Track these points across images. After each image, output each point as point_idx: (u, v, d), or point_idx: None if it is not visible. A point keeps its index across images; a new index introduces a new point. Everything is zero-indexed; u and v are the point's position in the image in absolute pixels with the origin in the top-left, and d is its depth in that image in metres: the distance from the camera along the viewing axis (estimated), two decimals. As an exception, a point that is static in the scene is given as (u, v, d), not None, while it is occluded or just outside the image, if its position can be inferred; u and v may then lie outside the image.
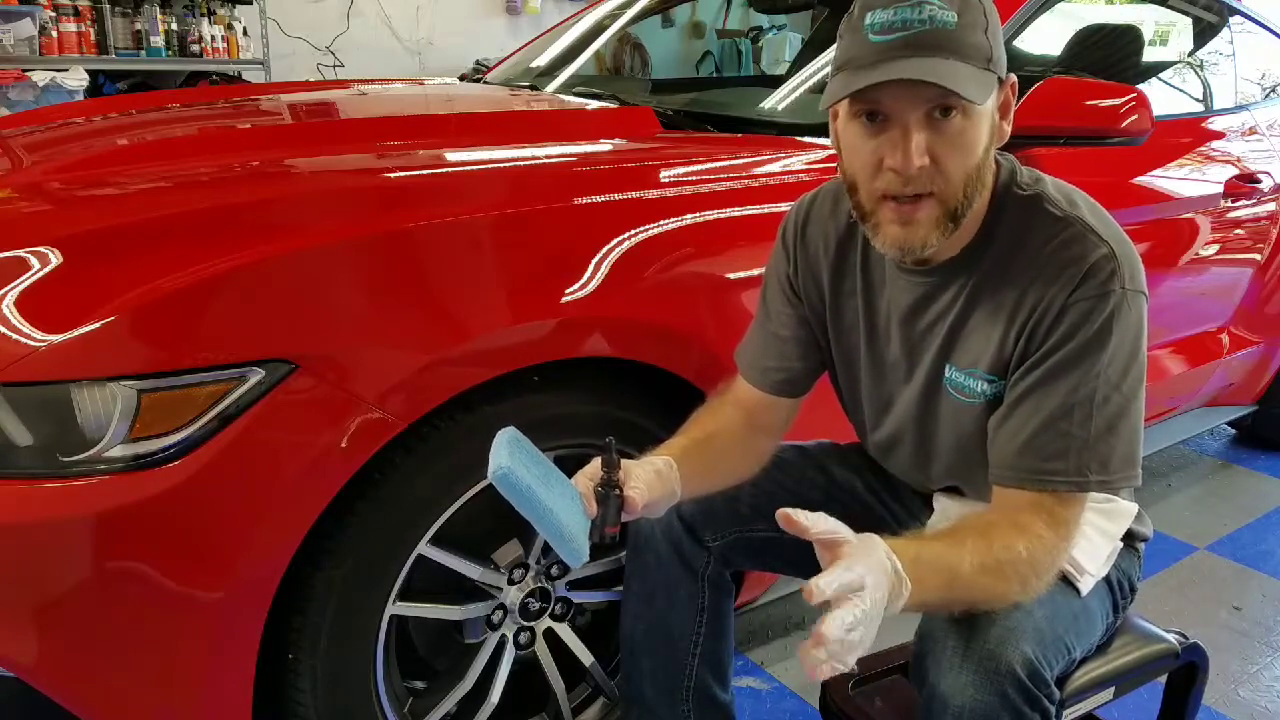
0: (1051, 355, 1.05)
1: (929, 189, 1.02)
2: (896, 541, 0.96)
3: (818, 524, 0.93)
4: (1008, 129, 1.08)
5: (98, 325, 1.09)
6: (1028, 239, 1.08)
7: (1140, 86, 1.82)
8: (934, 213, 1.04)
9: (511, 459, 1.00)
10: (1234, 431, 3.25)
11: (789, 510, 0.93)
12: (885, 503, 1.38)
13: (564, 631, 1.58)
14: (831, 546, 0.93)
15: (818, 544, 0.94)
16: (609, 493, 1.06)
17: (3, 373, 1.08)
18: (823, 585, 0.87)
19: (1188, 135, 2.45)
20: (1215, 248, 2.42)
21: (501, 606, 1.50)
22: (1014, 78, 1.07)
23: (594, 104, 2.17)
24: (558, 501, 1.02)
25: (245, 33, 4.83)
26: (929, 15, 0.98)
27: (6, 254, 1.21)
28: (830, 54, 1.10)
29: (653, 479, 1.13)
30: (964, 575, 0.98)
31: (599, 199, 1.44)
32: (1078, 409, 1.03)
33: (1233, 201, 2.41)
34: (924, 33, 0.98)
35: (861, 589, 0.88)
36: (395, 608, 1.35)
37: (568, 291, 1.35)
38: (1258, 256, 2.60)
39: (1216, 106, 2.68)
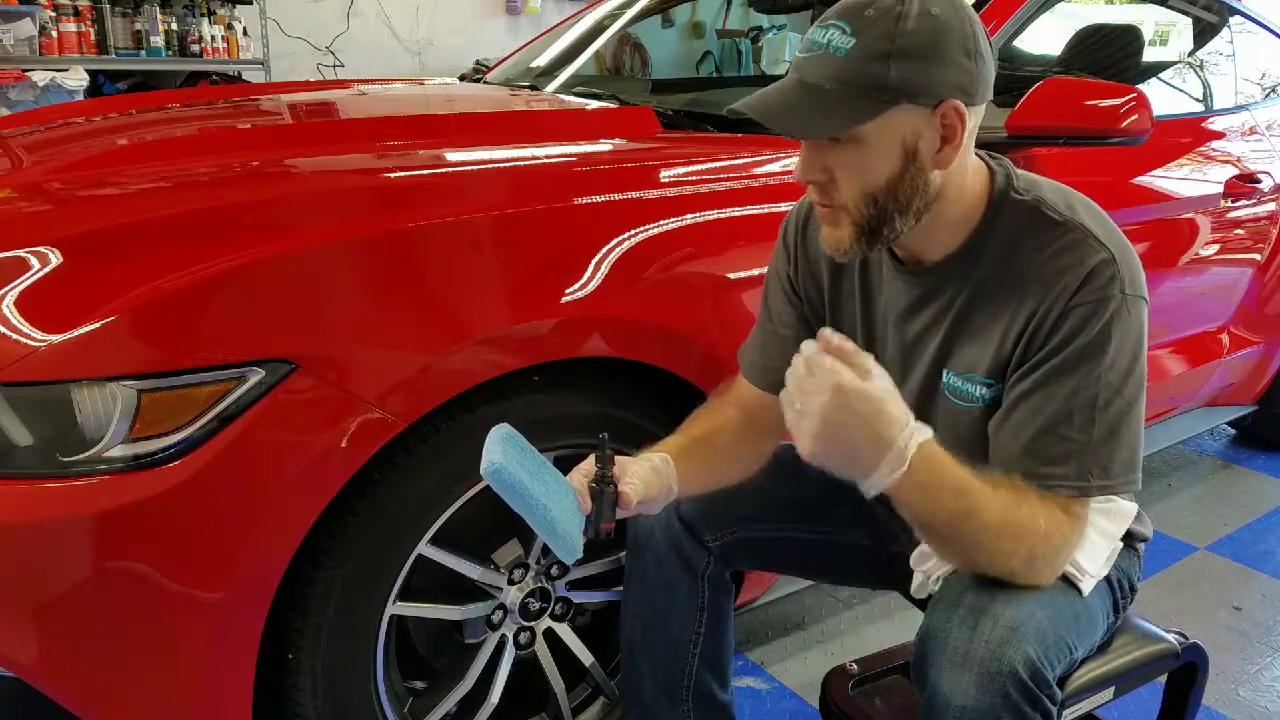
0: (1051, 359, 1.05)
1: (831, 202, 1.06)
2: (947, 453, 1.00)
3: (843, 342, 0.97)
4: (953, 155, 1.04)
5: (98, 325, 1.09)
6: (1026, 243, 1.08)
7: (1140, 86, 1.81)
8: (847, 224, 1.07)
9: (504, 455, 1.01)
10: (1234, 431, 3.24)
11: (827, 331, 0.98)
12: (885, 503, 1.38)
13: (564, 631, 1.58)
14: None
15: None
16: (603, 488, 1.06)
17: (3, 373, 1.08)
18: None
19: (1188, 135, 2.45)
20: (1215, 248, 2.42)
21: (501, 606, 1.50)
22: (958, 105, 1.01)
23: (594, 104, 2.17)
24: (551, 497, 1.02)
25: (245, 33, 4.83)
26: (827, 40, 1.01)
27: (6, 254, 1.21)
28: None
29: (649, 475, 1.13)
30: (984, 513, 1.00)
31: (599, 199, 1.44)
32: (1078, 413, 1.03)
33: (1233, 201, 2.41)
34: (815, 58, 1.02)
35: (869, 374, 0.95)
36: (395, 608, 1.35)
37: (568, 291, 1.35)
38: (1258, 256, 2.60)
39: (1216, 106, 2.68)
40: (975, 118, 1.05)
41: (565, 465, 1.12)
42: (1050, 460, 1.04)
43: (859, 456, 0.97)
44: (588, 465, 1.10)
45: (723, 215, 1.53)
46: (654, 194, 1.50)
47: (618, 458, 1.11)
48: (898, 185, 1.04)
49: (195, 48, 4.63)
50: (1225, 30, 2.79)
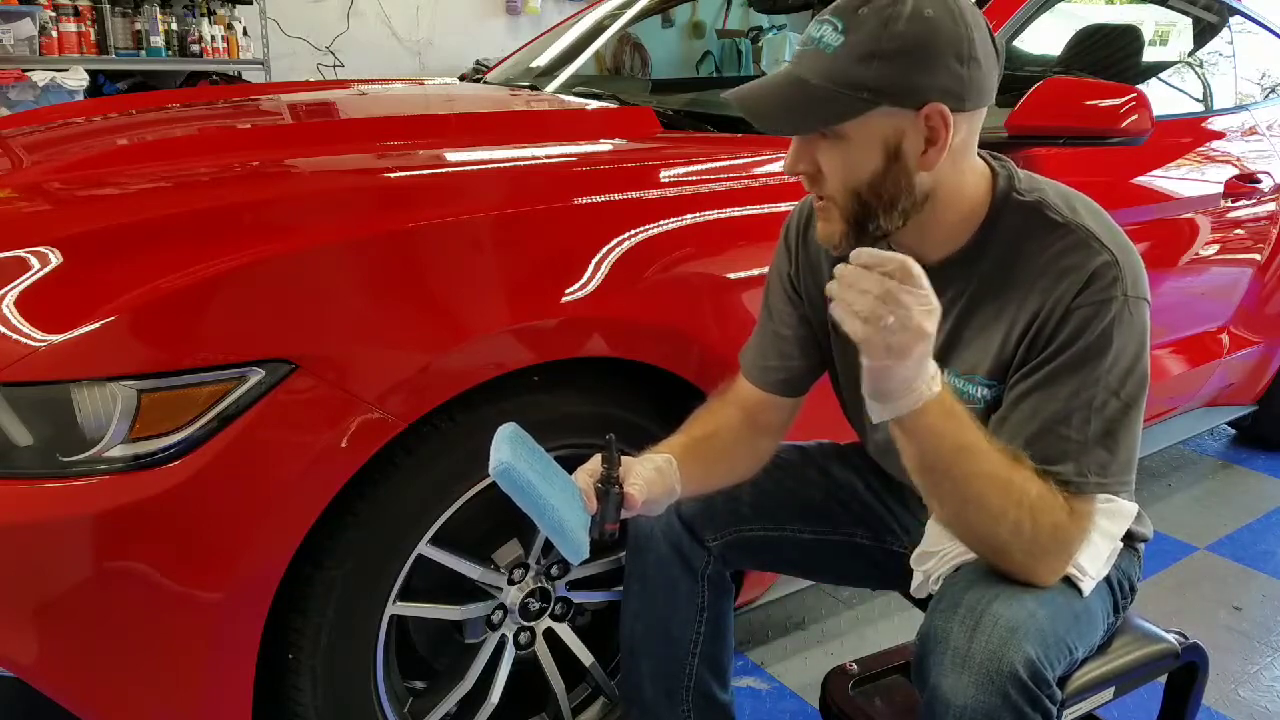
0: (1053, 360, 1.05)
1: (821, 194, 1.07)
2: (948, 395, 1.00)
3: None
4: (937, 158, 1.03)
5: (98, 325, 1.09)
6: (1028, 245, 1.08)
7: (1140, 86, 1.81)
8: (836, 217, 1.08)
9: (512, 454, 1.01)
10: (1234, 431, 3.24)
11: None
12: (885, 503, 1.38)
13: (564, 631, 1.58)
14: None
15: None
16: (609, 489, 1.06)
17: (3, 373, 1.08)
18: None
19: (1188, 135, 2.45)
20: (1215, 248, 2.42)
21: (501, 606, 1.50)
22: (943, 109, 1.00)
23: (594, 104, 2.17)
24: (558, 497, 1.02)
25: (245, 33, 4.83)
26: (820, 36, 1.02)
27: (6, 254, 1.21)
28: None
29: (653, 476, 1.13)
30: (981, 457, 1.00)
31: (599, 199, 1.44)
32: (1077, 413, 1.03)
33: (1233, 201, 2.41)
34: (809, 53, 1.03)
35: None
36: (395, 608, 1.35)
37: (568, 291, 1.35)
38: (1258, 256, 2.60)
39: (1216, 106, 2.68)
40: (970, 122, 1.05)
41: (565, 464, 1.12)
42: (1047, 459, 1.04)
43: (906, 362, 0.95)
44: (593, 465, 1.10)
45: (723, 215, 1.53)
46: (654, 194, 1.50)
47: (622, 458, 1.11)
48: (881, 184, 1.04)
49: (195, 48, 4.63)
50: (1225, 30, 2.79)
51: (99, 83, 4.52)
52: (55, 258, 1.19)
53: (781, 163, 1.68)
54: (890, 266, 0.94)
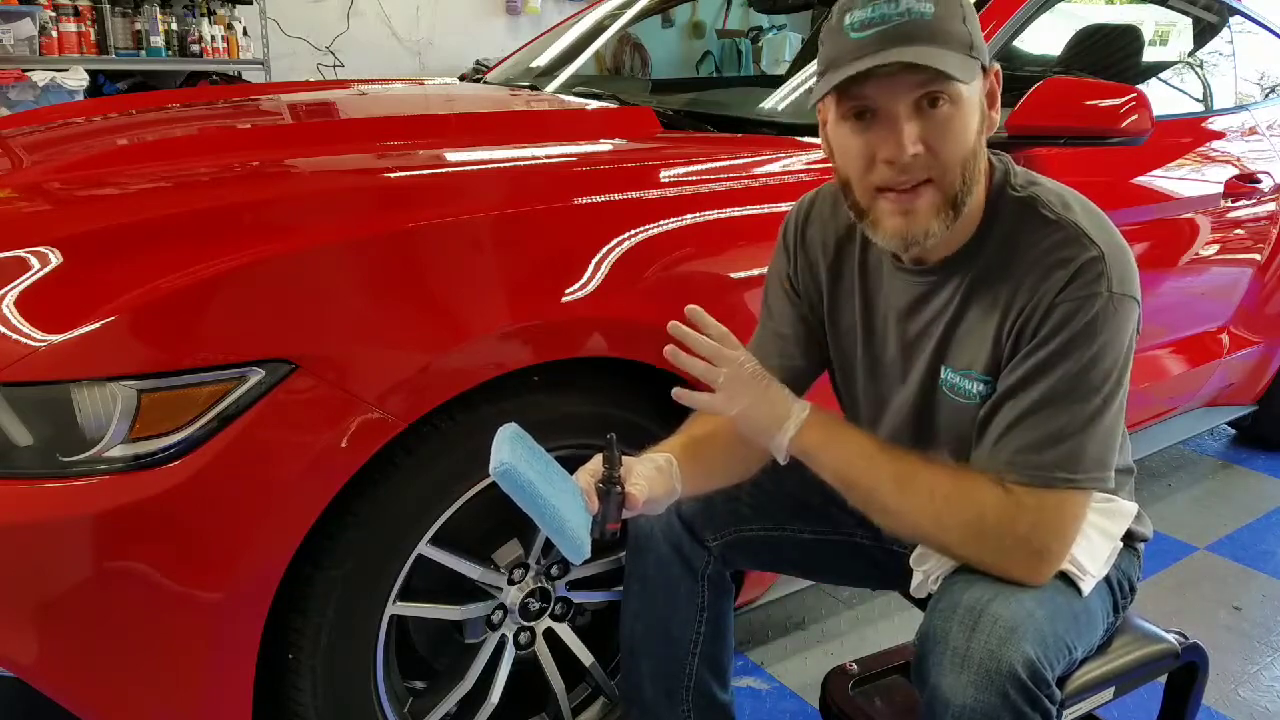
0: (1035, 353, 1.06)
1: (926, 175, 1.04)
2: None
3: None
4: (997, 118, 1.09)
5: (98, 325, 1.09)
6: (1021, 241, 1.09)
7: (1140, 86, 1.82)
8: (934, 200, 1.05)
9: (513, 455, 1.01)
10: (1234, 431, 3.24)
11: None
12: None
13: (564, 631, 1.58)
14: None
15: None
16: (610, 489, 1.06)
17: (3, 373, 1.08)
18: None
19: (1188, 135, 2.45)
20: (1215, 248, 2.42)
21: (501, 606, 1.50)
22: (998, 66, 1.08)
23: (594, 104, 2.17)
24: (559, 497, 1.02)
25: (245, 33, 4.83)
26: (906, 8, 1.00)
27: (6, 254, 1.21)
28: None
29: (653, 475, 1.13)
30: (877, 462, 1.09)
31: (599, 199, 1.44)
32: (1054, 406, 1.04)
33: (1233, 201, 2.41)
34: (903, 24, 0.99)
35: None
36: (395, 608, 1.35)
37: (568, 291, 1.35)
38: (1258, 256, 2.60)
39: (1216, 106, 2.68)
40: None
41: (565, 464, 1.12)
42: (1020, 449, 1.05)
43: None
44: (594, 465, 1.10)
45: (723, 215, 1.53)
46: (654, 194, 1.50)
47: (623, 458, 1.11)
48: (977, 149, 1.06)
49: (195, 48, 4.63)
50: (1225, 30, 2.79)
51: (99, 83, 4.52)
52: (55, 258, 1.19)
53: (782, 162, 1.70)
54: (711, 330, 1.11)
